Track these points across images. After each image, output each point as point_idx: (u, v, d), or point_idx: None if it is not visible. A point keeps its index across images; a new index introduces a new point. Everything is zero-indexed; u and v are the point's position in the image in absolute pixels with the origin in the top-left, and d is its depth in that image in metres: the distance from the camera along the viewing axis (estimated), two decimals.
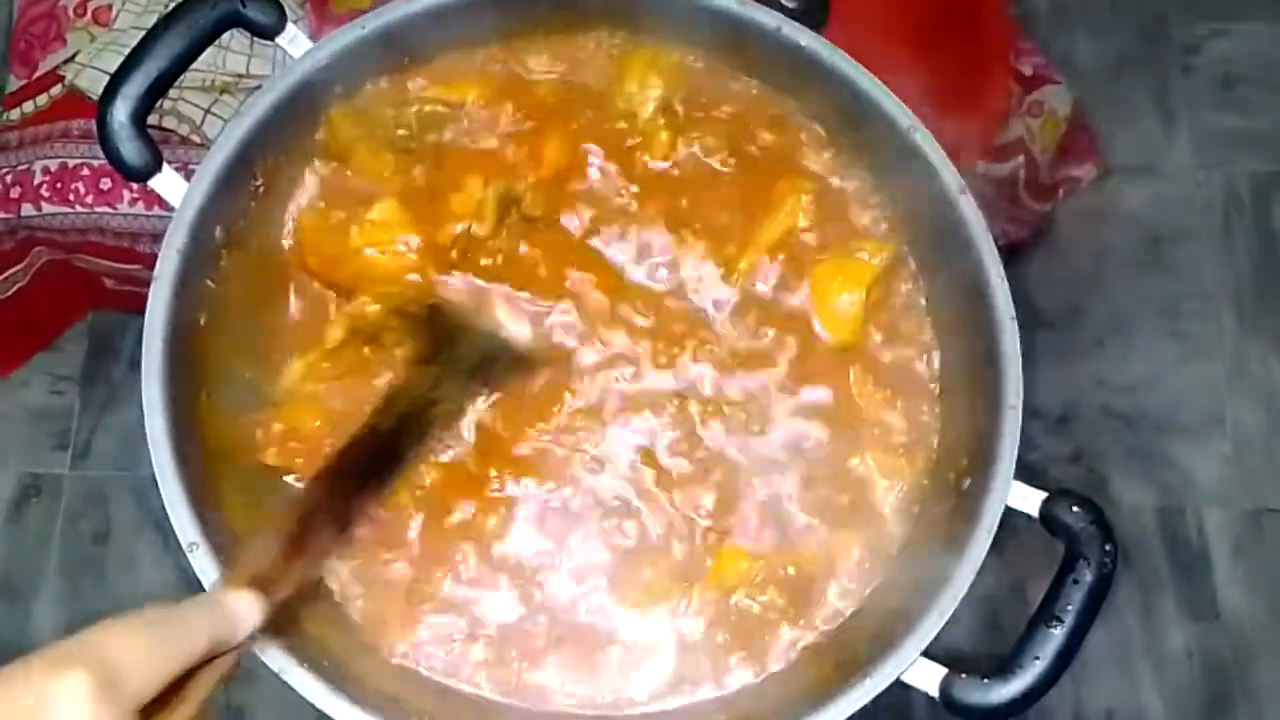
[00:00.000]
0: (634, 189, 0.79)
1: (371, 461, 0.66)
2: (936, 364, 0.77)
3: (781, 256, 0.78)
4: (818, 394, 0.76)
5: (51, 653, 0.41)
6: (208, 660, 0.48)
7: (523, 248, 0.77)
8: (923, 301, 0.78)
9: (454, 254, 0.76)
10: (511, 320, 0.76)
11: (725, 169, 0.79)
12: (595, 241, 0.78)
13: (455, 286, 0.76)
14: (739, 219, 0.79)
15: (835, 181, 0.80)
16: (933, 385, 0.77)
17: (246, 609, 0.52)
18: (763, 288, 0.77)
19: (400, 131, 0.78)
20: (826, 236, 0.79)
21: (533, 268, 0.77)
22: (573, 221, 0.78)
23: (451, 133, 0.79)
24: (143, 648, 0.43)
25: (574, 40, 0.81)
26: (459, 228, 0.76)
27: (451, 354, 0.73)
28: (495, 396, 0.74)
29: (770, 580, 0.72)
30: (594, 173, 0.79)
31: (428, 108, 0.79)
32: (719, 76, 0.81)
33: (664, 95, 0.79)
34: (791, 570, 0.72)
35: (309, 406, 0.74)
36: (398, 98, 0.79)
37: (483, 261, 0.77)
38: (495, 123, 0.79)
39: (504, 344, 0.75)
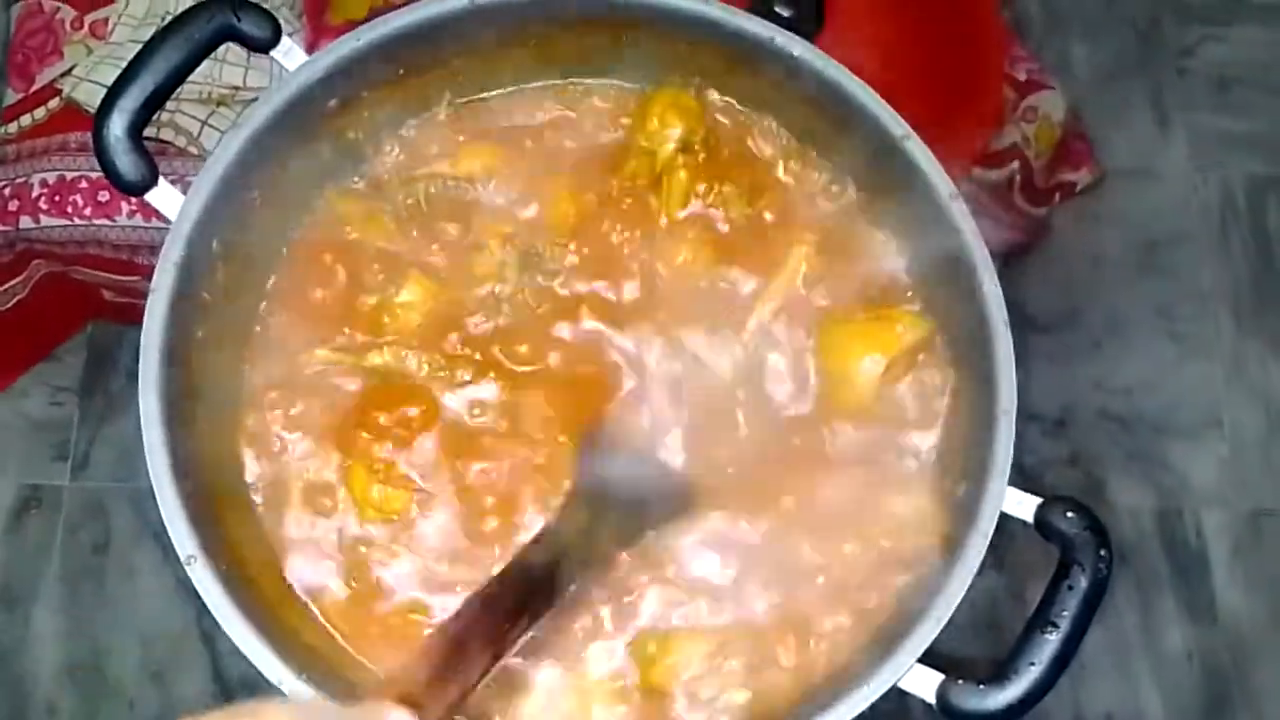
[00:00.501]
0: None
1: (527, 593, 0.64)
2: (935, 440, 0.76)
3: (785, 316, 0.77)
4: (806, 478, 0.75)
5: (205, 715, 0.41)
6: None
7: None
8: (941, 379, 0.77)
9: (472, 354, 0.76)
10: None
11: (733, 224, 0.80)
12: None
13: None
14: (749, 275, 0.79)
15: (843, 225, 0.80)
16: (932, 465, 0.75)
17: None
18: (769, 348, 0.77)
19: (408, 201, 0.79)
20: (842, 290, 0.78)
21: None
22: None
23: (461, 198, 0.80)
24: None
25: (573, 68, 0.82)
26: (484, 290, 0.77)
27: (602, 505, 0.72)
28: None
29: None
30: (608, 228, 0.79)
31: (435, 185, 0.79)
32: (739, 120, 0.81)
33: (684, 136, 0.79)
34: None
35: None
36: (405, 174, 0.80)
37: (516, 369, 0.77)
38: (506, 186, 0.80)
39: (655, 492, 0.74)
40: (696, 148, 0.79)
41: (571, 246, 0.78)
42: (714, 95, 0.81)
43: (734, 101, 0.81)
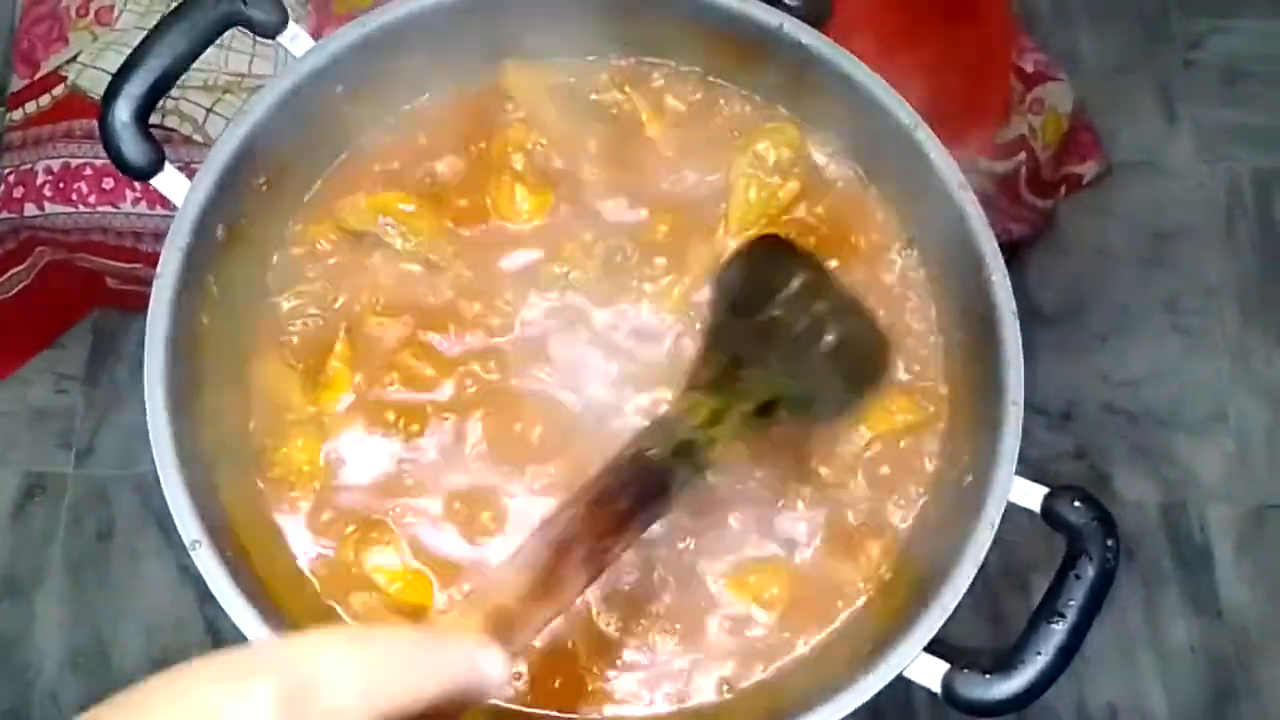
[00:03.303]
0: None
1: (640, 490, 0.55)
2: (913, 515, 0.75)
3: None
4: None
5: (243, 653, 0.33)
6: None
7: None
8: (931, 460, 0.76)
9: None
10: None
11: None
12: None
13: None
14: None
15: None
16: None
17: (490, 663, 0.37)
18: None
19: (592, 96, 0.80)
20: None
21: None
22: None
23: (610, 135, 0.80)
24: (350, 667, 0.32)
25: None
26: (558, 270, 0.77)
27: (737, 384, 0.63)
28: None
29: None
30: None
31: (621, 106, 0.80)
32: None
33: (761, 153, 0.79)
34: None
35: None
36: (612, 77, 0.81)
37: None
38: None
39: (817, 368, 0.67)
40: (771, 165, 0.79)
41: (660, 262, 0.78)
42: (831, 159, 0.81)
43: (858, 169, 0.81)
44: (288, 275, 0.77)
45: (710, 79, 0.82)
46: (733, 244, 0.78)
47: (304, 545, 0.73)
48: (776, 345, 0.67)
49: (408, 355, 0.75)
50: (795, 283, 0.69)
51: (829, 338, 0.68)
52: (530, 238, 0.78)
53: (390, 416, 0.74)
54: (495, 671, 0.37)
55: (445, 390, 0.75)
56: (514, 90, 0.80)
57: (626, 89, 0.80)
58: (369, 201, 0.77)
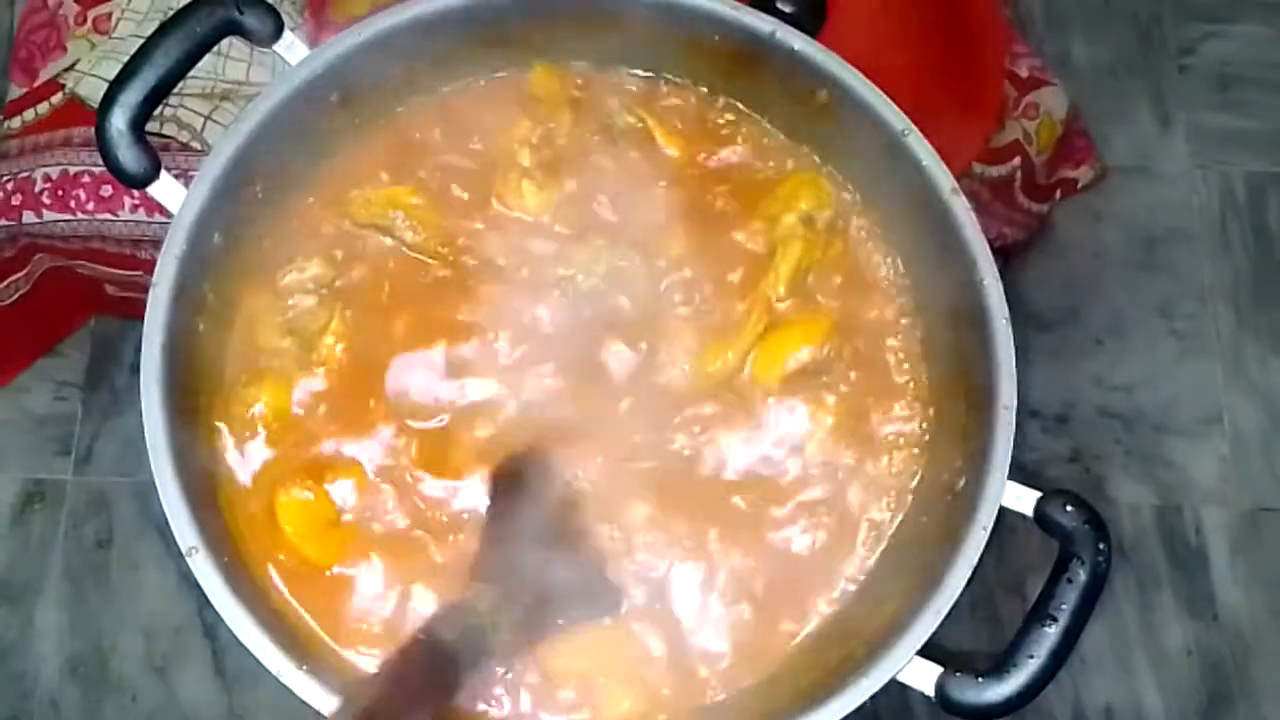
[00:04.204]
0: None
1: (428, 676, 0.60)
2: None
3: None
4: None
5: None
6: None
7: None
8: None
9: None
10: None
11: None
12: None
13: None
14: None
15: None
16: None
17: None
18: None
19: (606, 121, 0.81)
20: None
21: None
22: None
23: (642, 146, 0.81)
24: None
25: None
26: (564, 271, 0.78)
27: (512, 585, 0.67)
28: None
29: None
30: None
31: (629, 120, 0.81)
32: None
33: (810, 211, 0.80)
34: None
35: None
36: (615, 92, 0.82)
37: None
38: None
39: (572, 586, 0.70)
40: (819, 226, 0.80)
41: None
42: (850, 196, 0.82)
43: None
44: (286, 269, 0.78)
45: (702, 89, 0.83)
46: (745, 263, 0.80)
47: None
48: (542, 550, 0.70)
49: (406, 339, 0.77)
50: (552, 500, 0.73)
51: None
52: (538, 237, 0.79)
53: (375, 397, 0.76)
54: None
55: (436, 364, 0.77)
56: (539, 91, 0.82)
57: (639, 112, 0.82)
58: (378, 195, 0.78)
